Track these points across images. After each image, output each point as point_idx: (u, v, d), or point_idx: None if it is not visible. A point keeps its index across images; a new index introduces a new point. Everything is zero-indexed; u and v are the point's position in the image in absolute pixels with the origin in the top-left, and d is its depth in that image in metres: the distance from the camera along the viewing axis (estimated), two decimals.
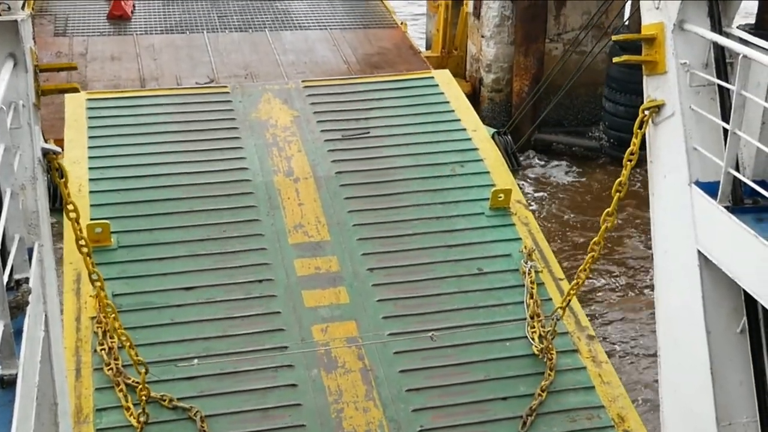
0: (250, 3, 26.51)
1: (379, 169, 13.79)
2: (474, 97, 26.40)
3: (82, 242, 9.24)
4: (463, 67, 28.03)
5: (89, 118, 14.24)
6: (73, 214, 9.04)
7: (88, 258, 9.36)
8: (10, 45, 7.60)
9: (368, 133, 14.49)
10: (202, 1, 26.40)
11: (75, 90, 8.90)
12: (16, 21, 7.55)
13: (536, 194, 24.39)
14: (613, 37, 9.38)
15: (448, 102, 15.21)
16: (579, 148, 26.45)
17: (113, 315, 9.92)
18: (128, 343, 10.13)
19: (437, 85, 15.64)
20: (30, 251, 7.48)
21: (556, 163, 25.97)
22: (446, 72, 16.34)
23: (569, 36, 25.66)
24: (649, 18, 8.88)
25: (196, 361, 10.99)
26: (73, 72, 20.09)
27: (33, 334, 6.86)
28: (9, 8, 7.61)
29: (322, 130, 14.45)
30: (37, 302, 7.28)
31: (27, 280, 7.07)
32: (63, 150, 8.87)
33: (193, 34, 24.20)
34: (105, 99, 14.91)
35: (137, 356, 10.19)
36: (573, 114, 27.02)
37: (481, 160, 13.98)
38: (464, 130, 14.57)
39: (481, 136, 14.46)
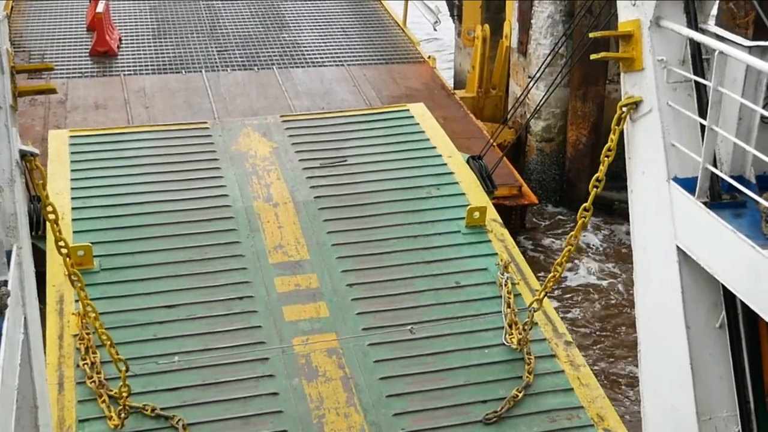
0: (255, 35, 22.68)
1: (357, 193, 13.56)
2: (518, 147, 21.87)
3: (62, 243, 8.65)
4: (502, 109, 23.21)
5: (72, 153, 14.01)
6: (52, 216, 8.47)
7: (67, 259, 8.78)
8: None
9: (346, 161, 14.23)
10: (199, 34, 22.32)
11: (53, 91, 8.41)
12: None
13: (584, 271, 19.22)
14: (591, 34, 9.02)
15: (423, 131, 15.00)
16: None
17: (93, 315, 9.36)
18: (108, 342, 9.58)
19: (412, 117, 15.44)
20: (8, 254, 7.05)
21: (616, 226, 20.57)
22: (421, 105, 15.98)
23: None
24: (625, 15, 8.62)
25: (176, 358, 10.65)
26: (50, 125, 18.11)
27: (12, 337, 6.47)
28: None
29: (300, 159, 14.21)
30: (15, 305, 6.86)
31: (5, 282, 6.65)
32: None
33: (190, 74, 20.36)
34: (88, 136, 14.72)
35: (117, 354, 9.71)
36: None
37: (457, 182, 13.76)
38: (439, 156, 14.35)
39: (456, 161, 14.25)
